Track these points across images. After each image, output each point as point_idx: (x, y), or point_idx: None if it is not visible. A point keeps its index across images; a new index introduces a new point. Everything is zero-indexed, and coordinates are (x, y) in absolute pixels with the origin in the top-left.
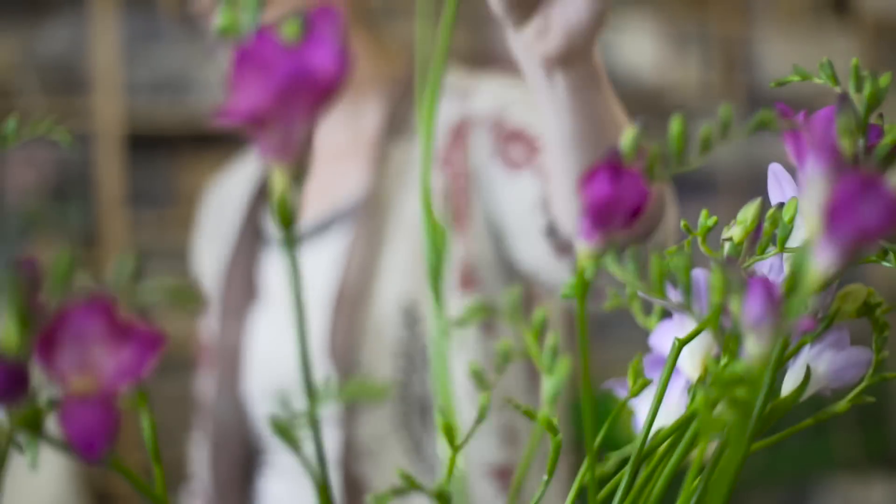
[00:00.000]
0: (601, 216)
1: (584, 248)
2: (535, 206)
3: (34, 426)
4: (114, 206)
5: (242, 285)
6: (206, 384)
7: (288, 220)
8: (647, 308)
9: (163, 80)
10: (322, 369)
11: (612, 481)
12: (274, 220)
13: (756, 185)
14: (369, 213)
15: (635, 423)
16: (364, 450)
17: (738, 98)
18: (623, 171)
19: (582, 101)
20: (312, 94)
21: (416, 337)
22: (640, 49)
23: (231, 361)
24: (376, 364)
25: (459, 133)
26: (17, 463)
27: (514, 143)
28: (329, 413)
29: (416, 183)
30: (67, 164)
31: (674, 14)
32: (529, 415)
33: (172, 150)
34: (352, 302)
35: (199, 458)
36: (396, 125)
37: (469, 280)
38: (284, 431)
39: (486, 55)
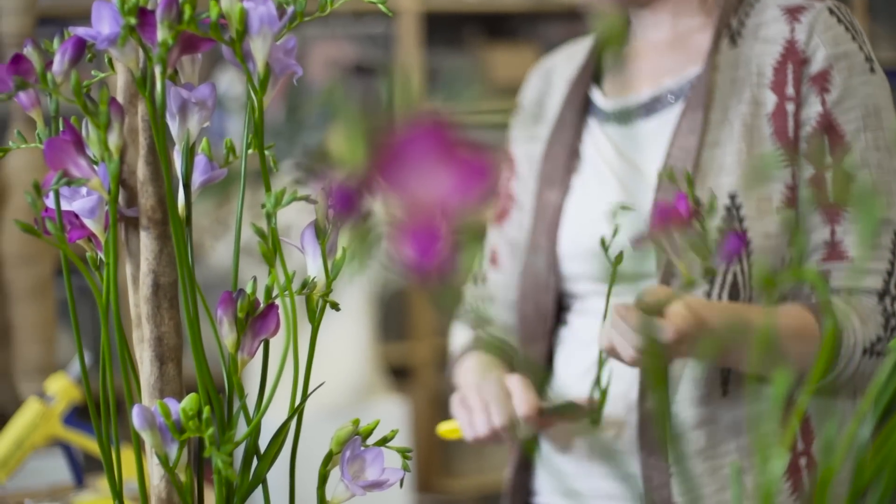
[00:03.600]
0: None
1: None
2: None
3: (365, 239)
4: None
5: (565, 152)
6: (508, 234)
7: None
8: None
9: None
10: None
11: None
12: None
13: None
14: (696, 103)
15: None
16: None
17: None
18: None
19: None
20: None
21: (735, 221)
22: None
23: (550, 222)
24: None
25: (789, 56)
26: (321, 338)
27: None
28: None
29: (743, 89)
30: (370, 42)
31: None
32: None
33: (468, 32)
34: (676, 185)
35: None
36: (728, 32)
37: (790, 199)
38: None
39: None
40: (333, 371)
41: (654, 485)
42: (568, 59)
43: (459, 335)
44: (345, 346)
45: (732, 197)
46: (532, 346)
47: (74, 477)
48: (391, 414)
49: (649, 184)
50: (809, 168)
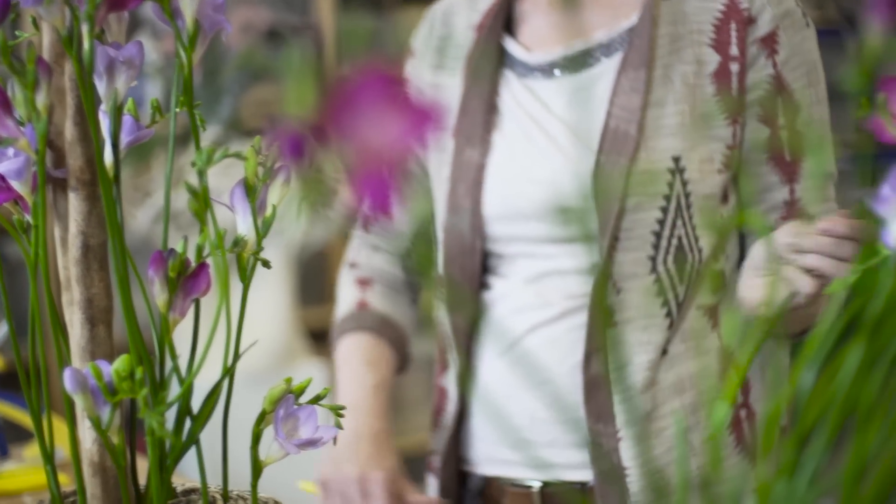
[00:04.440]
0: None
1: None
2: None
3: (317, 189)
4: (330, 49)
5: (483, 107)
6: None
7: None
8: None
9: None
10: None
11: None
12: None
13: None
14: (636, 59)
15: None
16: (613, 286)
17: None
18: None
19: None
20: None
21: (679, 184)
22: None
23: (473, 182)
24: (640, 205)
25: (731, 15)
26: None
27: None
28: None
29: (683, 47)
30: (285, 6)
31: None
32: None
33: None
34: (619, 147)
35: (366, 252)
36: None
37: (729, 163)
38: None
39: None
40: (254, 336)
41: (602, 451)
42: (469, 3)
43: (344, 293)
44: (264, 310)
45: (676, 160)
46: (459, 310)
47: None
48: (313, 378)
49: (586, 142)
50: (758, 126)
